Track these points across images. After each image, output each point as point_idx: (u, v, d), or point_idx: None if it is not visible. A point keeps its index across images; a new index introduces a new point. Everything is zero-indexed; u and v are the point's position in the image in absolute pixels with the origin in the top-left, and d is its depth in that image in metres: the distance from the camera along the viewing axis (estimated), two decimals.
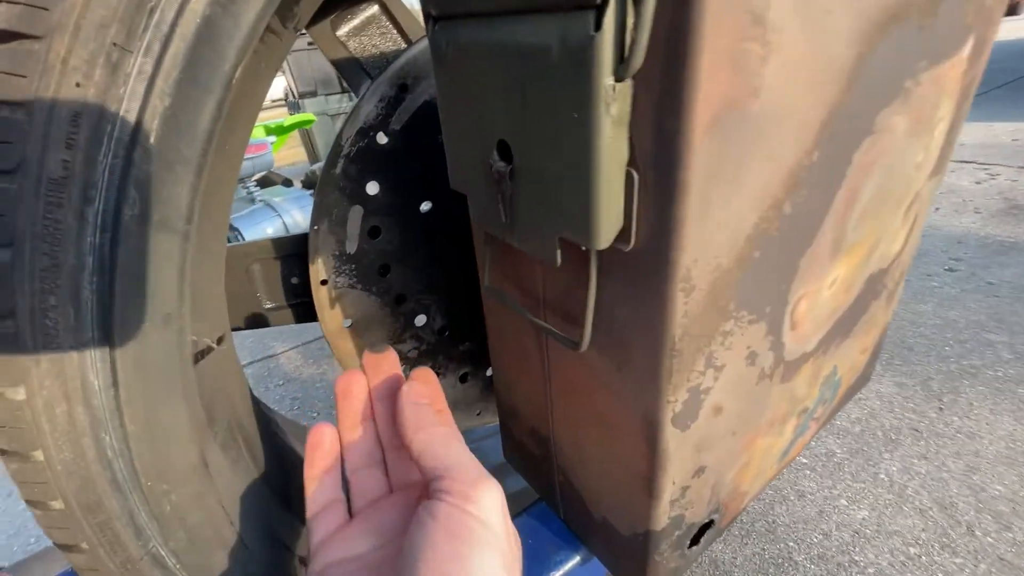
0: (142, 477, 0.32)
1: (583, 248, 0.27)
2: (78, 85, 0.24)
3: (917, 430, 1.12)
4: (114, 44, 0.25)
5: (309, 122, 2.81)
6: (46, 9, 0.24)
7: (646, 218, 0.25)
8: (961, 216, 2.05)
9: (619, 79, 0.22)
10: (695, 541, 0.42)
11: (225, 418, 0.42)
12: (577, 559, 0.49)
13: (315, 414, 1.52)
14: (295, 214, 2.43)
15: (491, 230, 0.34)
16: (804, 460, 1.08)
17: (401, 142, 0.55)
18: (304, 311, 0.63)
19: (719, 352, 0.31)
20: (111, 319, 0.28)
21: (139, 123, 0.26)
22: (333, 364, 1.75)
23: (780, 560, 0.89)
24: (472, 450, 1.00)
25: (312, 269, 0.57)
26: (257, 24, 0.28)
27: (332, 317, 0.60)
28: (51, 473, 0.30)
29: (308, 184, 2.62)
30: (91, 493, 0.31)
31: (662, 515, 0.36)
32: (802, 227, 0.31)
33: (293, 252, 0.61)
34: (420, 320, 0.66)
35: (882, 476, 1.02)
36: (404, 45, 0.63)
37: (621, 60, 0.22)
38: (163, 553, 0.35)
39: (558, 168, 0.26)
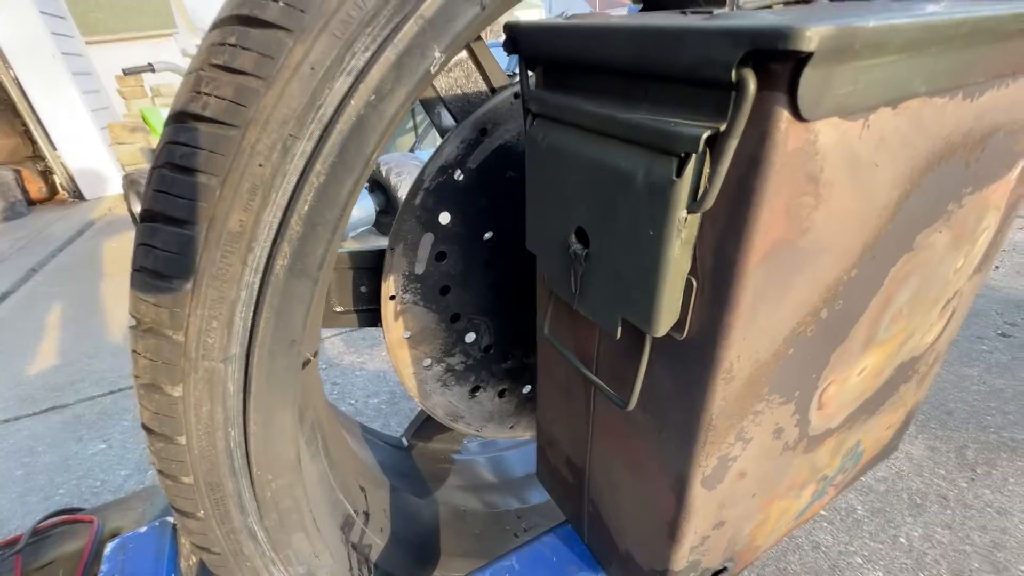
0: (254, 467, 0.39)
1: (642, 329, 0.32)
2: (260, 165, 0.31)
3: (945, 498, 1.11)
4: (290, 135, 0.31)
5: None
6: (244, 106, 0.31)
7: (699, 318, 0.30)
8: (1022, 278, 1.97)
9: (691, 212, 0.27)
10: None
11: (311, 419, 0.49)
12: None
13: (353, 401, 1.61)
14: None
15: (558, 293, 0.40)
16: (824, 513, 1.09)
17: (474, 179, 0.62)
18: (367, 318, 0.70)
19: (749, 427, 0.36)
20: (253, 342, 0.35)
21: (296, 195, 0.33)
22: (372, 354, 1.84)
23: None
24: (496, 459, 1.07)
25: (384, 285, 0.64)
26: (396, 116, 0.34)
27: (395, 328, 0.66)
28: (189, 455, 0.37)
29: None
30: (215, 474, 0.38)
31: (682, 558, 0.41)
32: (836, 328, 0.35)
33: (365, 265, 0.67)
34: (470, 337, 0.72)
35: (902, 539, 1.02)
36: (486, 89, 0.68)
37: (694, 199, 0.27)
38: (257, 529, 0.42)
39: (630, 265, 0.31)
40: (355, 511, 0.59)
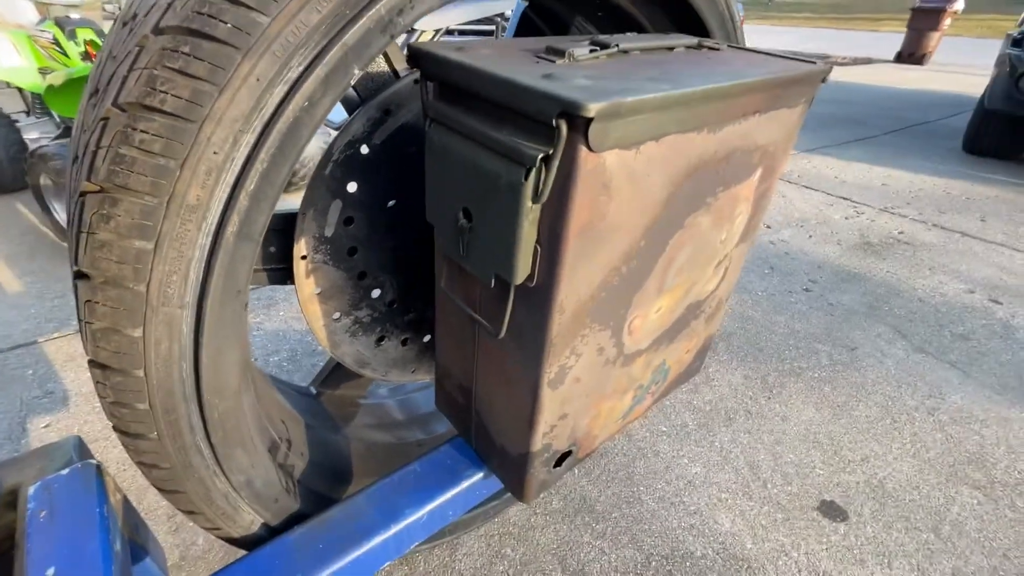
0: (204, 393, 0.49)
1: (506, 280, 0.47)
2: (215, 153, 0.40)
3: (749, 412, 1.47)
4: (239, 130, 0.41)
5: None
6: (201, 106, 0.39)
7: (542, 272, 0.46)
8: (826, 245, 2.49)
9: (534, 203, 0.42)
10: (558, 463, 0.65)
11: (244, 357, 0.58)
12: (481, 474, 0.71)
13: (252, 359, 1.63)
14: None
15: (451, 255, 0.53)
16: (664, 428, 1.39)
17: (379, 153, 0.71)
18: (277, 276, 0.77)
19: (579, 346, 0.53)
20: (205, 292, 0.44)
21: (243, 177, 0.42)
22: (269, 314, 1.84)
23: (631, 499, 1.19)
24: (404, 400, 1.22)
25: (296, 246, 0.72)
26: (324, 116, 0.44)
27: (307, 285, 0.75)
28: (147, 385, 0.46)
29: None
30: (170, 400, 0.47)
31: (538, 442, 0.58)
32: (634, 280, 0.53)
33: (275, 227, 0.74)
34: (376, 293, 0.83)
35: (716, 443, 1.35)
36: (390, 72, 0.77)
37: (536, 195, 0.41)
38: (203, 445, 0.52)
39: (499, 236, 0.45)
40: (279, 438, 0.69)
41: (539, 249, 0.45)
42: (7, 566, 0.66)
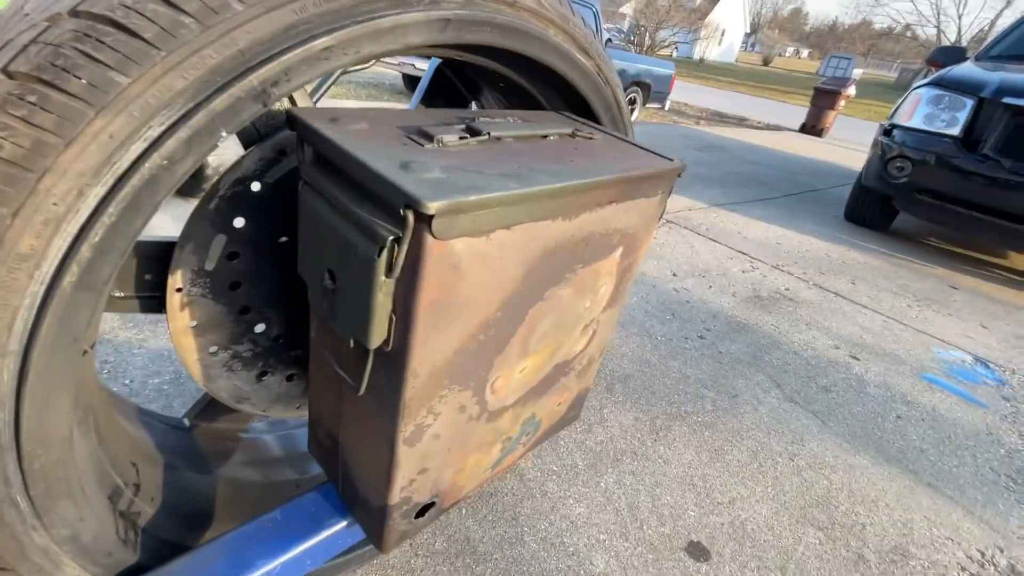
0: (24, 444, 0.46)
1: (363, 343, 0.49)
2: (55, 204, 0.40)
3: (636, 453, 1.56)
4: (86, 184, 0.40)
5: None
6: (43, 157, 0.39)
7: (397, 338, 0.48)
8: (722, 296, 2.72)
9: (387, 277, 0.45)
10: (420, 514, 0.67)
11: (84, 401, 0.55)
12: (345, 523, 0.70)
13: (128, 381, 1.50)
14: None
15: (318, 312, 0.55)
16: (555, 468, 1.44)
17: (271, 191, 0.72)
18: (150, 304, 0.74)
19: (437, 406, 0.56)
20: (33, 341, 0.43)
21: (87, 229, 0.41)
22: (155, 331, 1.71)
23: (515, 540, 1.21)
24: (285, 436, 1.18)
25: (171, 278, 0.70)
26: (187, 172, 0.45)
27: (180, 318, 0.73)
28: None
29: None
30: None
31: (396, 495, 0.60)
32: (493, 345, 0.57)
33: (151, 255, 0.71)
34: (259, 327, 0.81)
35: (601, 484, 1.42)
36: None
37: (389, 270, 0.44)
38: (19, 498, 0.49)
39: (357, 302, 0.47)
40: (125, 483, 0.65)
41: (394, 318, 0.47)
42: None
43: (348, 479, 0.68)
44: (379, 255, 0.43)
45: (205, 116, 0.43)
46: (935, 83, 3.94)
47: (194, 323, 0.75)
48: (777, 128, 10.05)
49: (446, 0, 0.55)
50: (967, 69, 4.08)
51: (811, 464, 1.65)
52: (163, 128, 0.42)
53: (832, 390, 2.07)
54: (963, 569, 1.37)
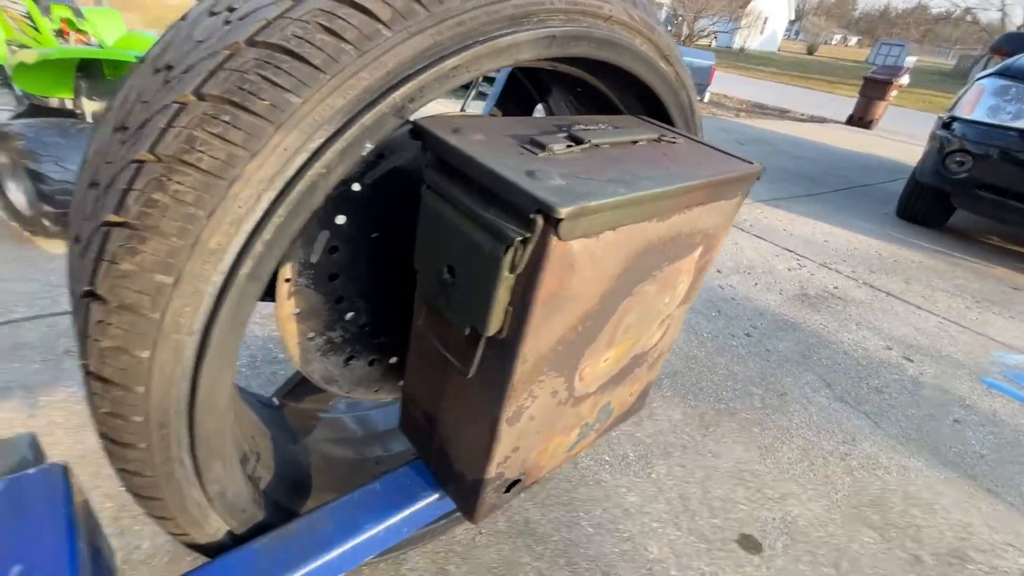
0: (196, 412, 0.54)
1: (479, 331, 0.55)
2: (239, 207, 0.47)
3: (685, 447, 1.59)
4: (263, 190, 0.47)
5: None
6: (233, 167, 0.46)
7: (511, 328, 0.54)
8: (768, 294, 2.70)
9: (510, 273, 0.50)
10: (508, 490, 0.73)
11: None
12: (436, 496, 0.77)
13: None
14: None
15: (432, 302, 0.61)
16: (607, 458, 1.49)
17: (369, 192, 0.78)
18: (265, 292, 0.82)
19: (536, 389, 0.61)
20: (212, 323, 0.50)
21: (261, 228, 0.48)
22: None
23: (570, 523, 1.27)
24: (362, 418, 1.28)
25: (281, 269, 0.78)
26: (338, 178, 0.51)
27: (287, 305, 0.81)
28: (145, 401, 0.51)
29: None
30: (164, 415, 0.52)
31: (492, 470, 0.66)
32: (588, 336, 0.62)
33: None
34: (350, 316, 0.89)
35: (653, 475, 1.46)
36: None
37: (512, 267, 0.49)
38: (186, 457, 0.57)
39: (477, 294, 0.53)
40: (250, 451, 0.74)
41: (511, 309, 0.53)
42: None
43: (442, 455, 0.74)
44: (505, 253, 0.48)
45: (357, 130, 0.50)
46: (1000, 73, 3.74)
47: (297, 310, 0.82)
48: (822, 120, 9.69)
49: (552, 18, 0.60)
50: None
51: (864, 464, 1.64)
52: (322, 141, 0.49)
53: (884, 391, 2.04)
54: None
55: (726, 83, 12.50)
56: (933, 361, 2.31)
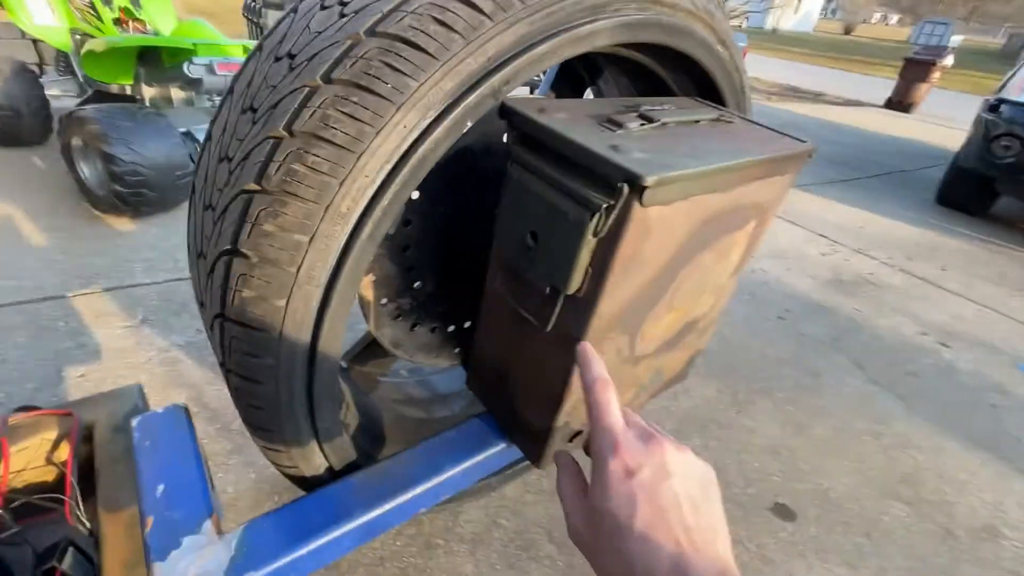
0: (317, 352, 0.62)
1: (559, 289, 0.62)
2: (366, 176, 0.54)
3: (720, 422, 1.65)
4: (384, 163, 0.55)
5: None
6: (363, 142, 0.53)
7: (589, 287, 0.61)
8: (801, 278, 2.70)
9: (593, 237, 0.57)
10: (572, 439, 0.80)
11: None
12: (503, 446, 0.85)
13: None
14: None
15: (514, 263, 0.68)
16: None
17: (441, 168, 0.85)
18: None
19: (606, 346, 0.68)
20: (336, 277, 0.58)
21: (380, 194, 0.56)
22: None
23: None
24: (422, 381, 1.37)
25: None
26: (443, 153, 0.59)
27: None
28: (278, 343, 0.60)
29: None
30: (292, 356, 0.61)
31: (561, 419, 0.73)
32: (651, 299, 0.69)
33: None
34: (417, 284, 0.97)
35: (689, 447, 1.52)
36: None
37: (596, 232, 0.56)
38: (304, 395, 0.66)
39: (560, 256, 0.60)
40: (341, 399, 0.83)
41: (590, 270, 0.60)
42: (90, 488, 0.78)
43: (511, 408, 0.82)
44: (590, 219, 0.55)
45: (462, 110, 0.57)
46: None
47: (374, 278, 0.91)
48: (858, 104, 9.38)
49: (626, 7, 0.66)
50: None
51: (897, 444, 1.67)
52: (433, 119, 0.56)
53: (920, 375, 2.05)
54: None
55: (758, 65, 12.16)
56: (970, 348, 2.30)
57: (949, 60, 8.99)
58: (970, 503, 1.49)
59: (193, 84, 2.53)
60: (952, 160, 4.14)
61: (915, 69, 8.86)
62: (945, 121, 8.29)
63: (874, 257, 3.10)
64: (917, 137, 6.97)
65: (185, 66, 2.30)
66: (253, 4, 4.21)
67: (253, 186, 0.56)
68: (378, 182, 0.56)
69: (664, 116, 0.67)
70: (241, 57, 2.49)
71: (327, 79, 0.55)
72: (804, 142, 0.76)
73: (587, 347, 0.51)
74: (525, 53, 0.58)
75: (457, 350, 1.20)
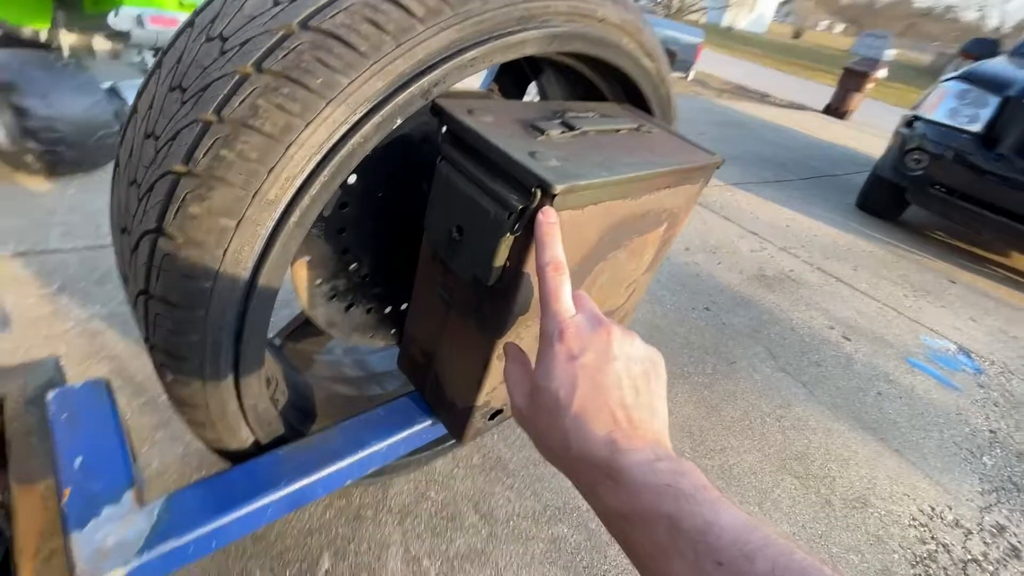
0: (244, 333, 0.65)
1: (481, 280, 0.67)
2: (294, 166, 0.57)
3: None
4: (313, 152, 0.57)
5: None
6: (292, 133, 0.55)
7: (506, 279, 0.66)
8: (730, 272, 2.89)
9: (511, 234, 0.62)
10: (492, 417, 0.87)
11: None
12: (430, 423, 0.91)
13: None
14: None
15: (441, 255, 0.72)
16: None
17: (378, 155, 0.88)
18: None
19: (522, 332, 0.74)
20: (263, 261, 0.61)
21: (308, 183, 0.59)
22: None
23: (538, 462, 1.44)
24: (359, 361, 1.40)
25: None
26: (371, 147, 0.62)
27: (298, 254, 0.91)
28: (204, 323, 0.62)
29: None
30: (218, 336, 0.63)
31: (481, 399, 0.79)
32: None
33: None
34: (353, 267, 0.99)
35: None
36: None
37: (513, 229, 0.61)
38: (230, 372, 0.68)
39: (482, 250, 0.65)
40: (270, 376, 0.85)
41: (507, 264, 0.65)
42: (0, 461, 0.77)
43: (437, 388, 0.87)
44: (508, 218, 0.60)
45: (391, 108, 0.60)
46: (963, 77, 3.96)
47: (308, 258, 0.92)
48: (800, 107, 9.91)
49: (554, 19, 0.70)
50: (997, 65, 4.09)
51: (795, 425, 1.87)
52: (362, 115, 0.59)
53: (822, 364, 2.28)
54: (914, 519, 1.61)
55: (712, 62, 12.54)
56: (868, 341, 2.56)
57: (883, 73, 9.64)
58: (849, 478, 1.70)
59: (120, 36, 2.35)
60: (872, 169, 4.50)
61: (852, 78, 9.44)
62: (874, 130, 8.92)
63: (797, 255, 3.36)
64: (848, 144, 7.47)
65: (111, 15, 2.14)
66: None
67: (181, 167, 0.57)
68: (307, 172, 0.58)
69: (586, 124, 0.73)
70: (175, 11, 2.34)
71: (258, 68, 0.56)
72: (713, 155, 0.85)
73: (546, 226, 0.50)
74: (456, 57, 0.62)
75: (393, 331, 1.23)
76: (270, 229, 0.60)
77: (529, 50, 0.69)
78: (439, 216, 0.71)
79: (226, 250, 0.58)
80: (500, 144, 0.61)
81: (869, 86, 9.55)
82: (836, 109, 9.69)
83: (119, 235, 0.72)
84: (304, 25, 0.57)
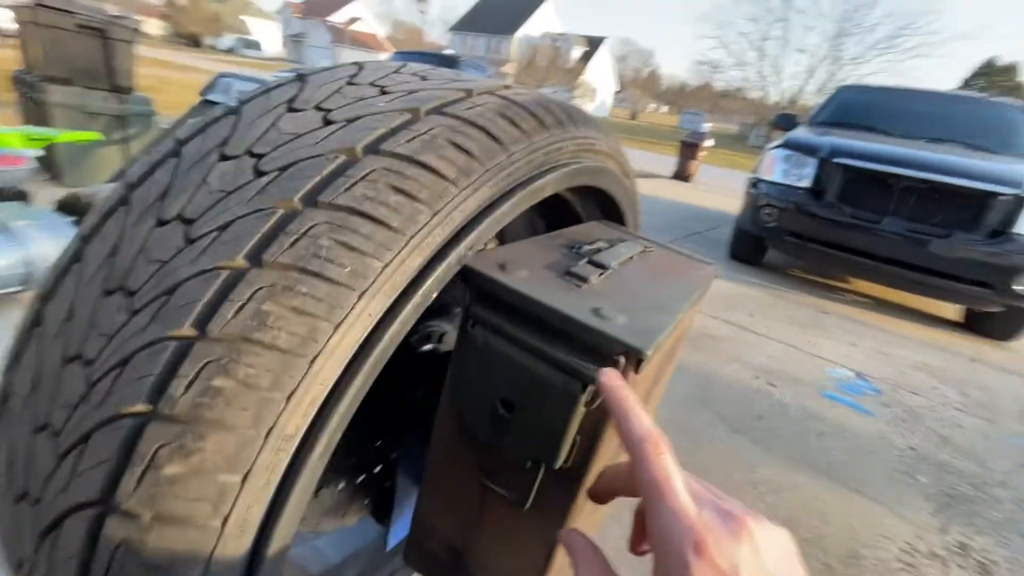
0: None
1: (545, 464, 0.55)
2: (320, 385, 0.42)
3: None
4: (344, 362, 0.44)
5: (89, 139, 2.31)
6: (316, 342, 0.42)
7: (575, 459, 0.55)
8: None
9: (586, 408, 0.52)
10: None
11: None
12: None
13: None
14: (44, 244, 1.98)
15: (478, 434, 0.59)
16: None
17: None
18: None
19: (585, 514, 0.62)
20: (279, 515, 0.43)
21: (335, 403, 0.44)
22: None
23: None
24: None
25: None
26: (400, 339, 0.49)
27: None
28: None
29: (66, 207, 2.15)
30: None
31: None
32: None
33: None
34: None
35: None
36: None
37: (588, 404, 0.52)
38: None
39: (545, 430, 0.54)
40: None
41: (578, 439, 0.54)
42: None
43: None
44: (583, 390, 0.51)
45: (432, 283, 0.49)
46: (784, 145, 4.80)
47: None
48: (652, 176, 11.32)
49: (565, 158, 0.66)
50: (803, 134, 5.04)
51: (770, 489, 1.89)
52: (396, 298, 0.47)
53: (764, 417, 2.39)
54: (899, 560, 1.65)
55: None
56: (788, 384, 2.76)
57: (710, 142, 11.50)
58: (833, 533, 1.72)
59: None
60: (735, 223, 5.16)
61: (688, 149, 11.13)
62: (715, 189, 10.43)
63: (703, 311, 3.62)
64: (700, 203, 8.59)
65: None
66: (27, 76, 3.44)
67: (142, 408, 0.40)
68: (331, 386, 0.44)
69: (608, 259, 0.68)
70: (19, 149, 1.99)
71: (257, 262, 0.43)
72: (709, 264, 0.84)
73: (622, 391, 0.41)
74: (490, 213, 0.54)
75: (367, 500, 1.03)
76: (284, 468, 0.43)
77: (548, 191, 0.63)
78: (474, 389, 0.59)
79: (227, 518, 0.40)
80: (558, 306, 0.52)
81: (702, 154, 11.30)
82: (681, 174, 11.25)
83: (11, 502, 0.49)
84: (311, 201, 0.45)
